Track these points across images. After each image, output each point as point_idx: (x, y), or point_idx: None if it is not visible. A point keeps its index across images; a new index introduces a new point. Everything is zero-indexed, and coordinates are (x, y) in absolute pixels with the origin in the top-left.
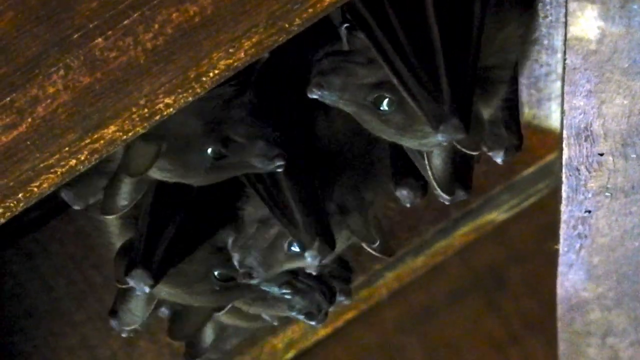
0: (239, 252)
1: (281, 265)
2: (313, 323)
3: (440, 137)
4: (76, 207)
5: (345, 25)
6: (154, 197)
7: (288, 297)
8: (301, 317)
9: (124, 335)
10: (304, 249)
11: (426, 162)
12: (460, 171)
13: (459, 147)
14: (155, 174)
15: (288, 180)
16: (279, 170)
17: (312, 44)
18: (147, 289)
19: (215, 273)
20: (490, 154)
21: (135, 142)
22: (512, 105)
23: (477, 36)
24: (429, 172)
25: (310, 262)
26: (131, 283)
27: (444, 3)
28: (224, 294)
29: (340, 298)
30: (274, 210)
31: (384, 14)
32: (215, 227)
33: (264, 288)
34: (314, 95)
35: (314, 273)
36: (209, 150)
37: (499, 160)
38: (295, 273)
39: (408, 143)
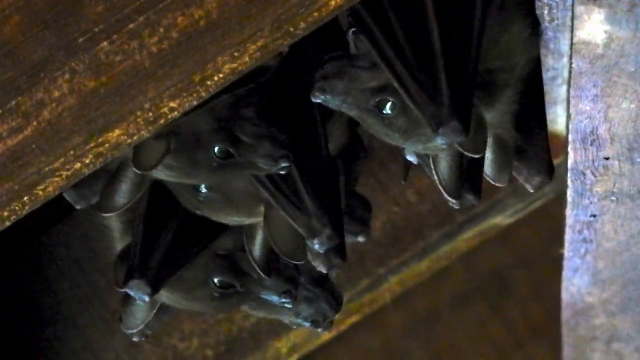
0: None
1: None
2: (319, 330)
3: (439, 140)
4: (78, 207)
5: (352, 30)
6: (148, 202)
7: (288, 305)
8: (307, 324)
9: (135, 339)
10: (313, 235)
11: (432, 166)
12: (470, 175)
13: (460, 149)
14: (160, 172)
15: (300, 170)
16: (282, 172)
17: (324, 46)
18: (146, 298)
19: (215, 280)
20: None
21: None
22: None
23: (477, 39)
24: (435, 177)
25: (317, 249)
26: (130, 292)
27: (445, 6)
28: (223, 301)
29: (359, 238)
30: (279, 199)
31: (385, 17)
32: (215, 232)
33: (263, 296)
34: (317, 99)
35: (324, 271)
36: (216, 149)
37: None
38: (296, 282)
39: (413, 147)
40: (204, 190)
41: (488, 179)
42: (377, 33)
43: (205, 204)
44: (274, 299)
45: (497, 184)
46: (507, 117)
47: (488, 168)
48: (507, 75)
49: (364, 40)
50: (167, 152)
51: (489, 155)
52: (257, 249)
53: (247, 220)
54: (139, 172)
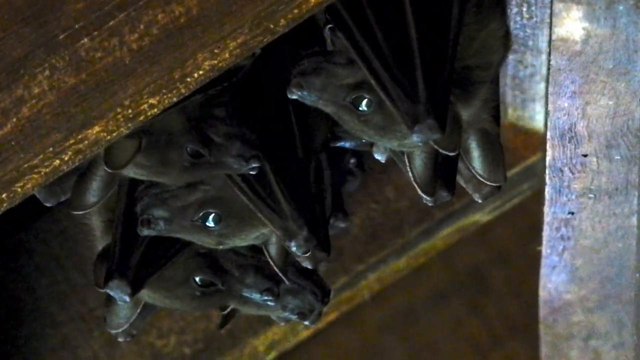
0: (151, 199)
1: (182, 231)
2: (306, 323)
3: (415, 137)
4: (48, 204)
5: (329, 26)
6: (127, 201)
7: (270, 303)
8: (294, 316)
9: (120, 339)
10: (290, 238)
11: (407, 163)
12: (444, 172)
13: (435, 147)
14: (131, 170)
15: (275, 172)
16: (253, 172)
17: (299, 45)
18: (127, 298)
19: (196, 279)
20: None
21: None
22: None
23: (454, 36)
24: (410, 174)
25: (294, 251)
26: (110, 293)
27: (422, 3)
28: (205, 300)
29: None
30: (256, 203)
31: (363, 13)
32: None
33: (245, 295)
34: (293, 95)
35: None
36: (188, 149)
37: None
38: (278, 279)
39: (388, 144)
40: (212, 224)
41: (483, 180)
42: (354, 30)
43: (222, 235)
44: (256, 297)
45: (494, 184)
46: (487, 112)
47: (481, 167)
48: (484, 72)
49: (340, 37)
50: (139, 151)
51: (477, 153)
52: (273, 248)
53: (265, 230)
54: (109, 170)
